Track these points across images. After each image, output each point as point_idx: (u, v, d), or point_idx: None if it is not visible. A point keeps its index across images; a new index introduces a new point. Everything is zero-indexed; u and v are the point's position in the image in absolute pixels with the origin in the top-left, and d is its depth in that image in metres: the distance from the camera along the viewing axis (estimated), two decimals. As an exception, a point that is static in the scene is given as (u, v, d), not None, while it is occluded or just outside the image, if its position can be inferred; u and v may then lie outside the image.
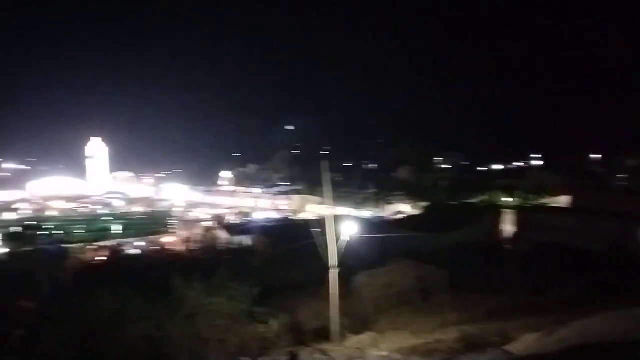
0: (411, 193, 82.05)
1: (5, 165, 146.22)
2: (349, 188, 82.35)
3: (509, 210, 41.96)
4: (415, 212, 65.94)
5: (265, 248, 35.51)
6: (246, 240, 41.97)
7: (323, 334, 16.71)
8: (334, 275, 16.47)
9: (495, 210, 43.59)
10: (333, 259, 16.52)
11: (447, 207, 57.28)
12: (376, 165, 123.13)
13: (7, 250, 28.46)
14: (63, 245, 26.05)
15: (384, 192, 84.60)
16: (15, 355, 14.25)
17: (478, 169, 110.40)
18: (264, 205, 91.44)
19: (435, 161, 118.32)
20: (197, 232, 56.07)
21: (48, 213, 70.47)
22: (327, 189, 19.52)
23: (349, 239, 16.77)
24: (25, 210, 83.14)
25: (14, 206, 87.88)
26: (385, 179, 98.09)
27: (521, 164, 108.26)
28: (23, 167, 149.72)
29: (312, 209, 77.36)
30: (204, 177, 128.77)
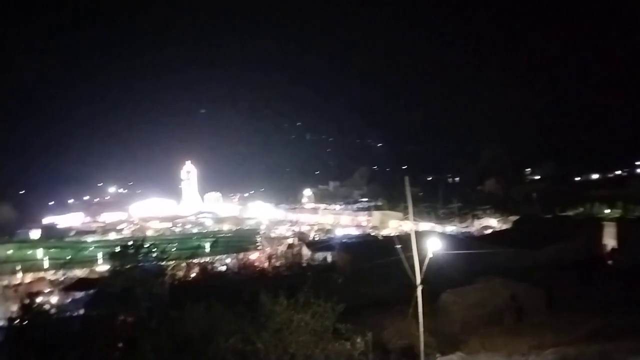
0: (499, 206, 78.39)
1: (108, 190, 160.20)
2: (431, 203, 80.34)
3: (610, 223, 38.61)
4: (504, 226, 62.82)
5: (347, 264, 35.49)
6: (328, 256, 42.28)
7: (409, 354, 16.29)
8: (419, 293, 16.04)
9: (595, 223, 40.34)
10: (418, 276, 16.11)
11: (540, 220, 53.95)
12: (460, 179, 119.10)
13: (108, 267, 30.76)
14: (160, 263, 27.59)
15: (470, 206, 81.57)
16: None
17: (573, 179, 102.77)
18: (345, 221, 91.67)
19: (524, 172, 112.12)
20: (281, 248, 57.48)
21: (146, 233, 75.74)
22: (410, 204, 19.16)
23: (433, 256, 16.28)
24: (127, 231, 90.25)
25: (118, 227, 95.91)
26: (470, 192, 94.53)
27: (623, 171, 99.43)
28: (123, 190, 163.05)
29: (393, 224, 76.40)
30: (287, 195, 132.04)
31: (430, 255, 16.21)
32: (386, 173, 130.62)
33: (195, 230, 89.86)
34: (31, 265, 48.57)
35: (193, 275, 37.61)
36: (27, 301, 23.36)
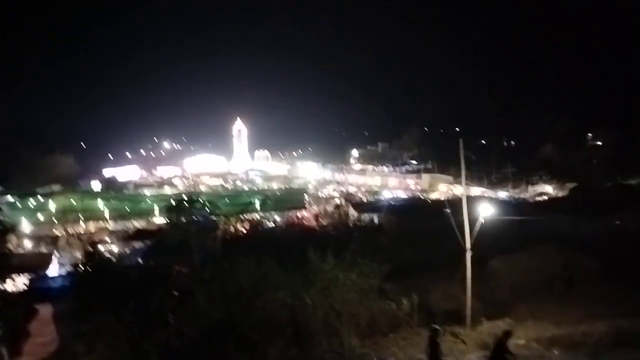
0: (556, 173, 75.19)
1: (164, 145, 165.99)
2: (484, 167, 78.05)
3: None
4: (561, 194, 60.48)
5: (394, 227, 35.51)
6: (375, 218, 42.41)
7: (454, 318, 16.30)
8: (468, 257, 15.88)
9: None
10: (467, 241, 15.91)
11: (599, 188, 51.47)
12: (515, 143, 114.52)
13: (166, 220, 32.20)
14: (212, 218, 28.69)
15: (524, 172, 78.70)
16: (174, 311, 16.30)
17: (638, 146, 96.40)
18: (393, 183, 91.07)
19: (585, 137, 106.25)
20: (328, 208, 58.12)
21: (199, 188, 78.47)
22: (462, 167, 18.71)
23: (484, 221, 15.96)
24: (180, 185, 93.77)
25: (172, 181, 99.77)
26: (525, 157, 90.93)
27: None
28: (177, 146, 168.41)
29: (443, 188, 75.18)
30: (334, 155, 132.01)
31: (481, 220, 15.91)
32: (438, 135, 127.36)
33: (245, 188, 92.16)
34: (93, 216, 51.63)
35: (243, 230, 38.90)
36: (90, 249, 25.07)
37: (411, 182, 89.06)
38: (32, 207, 52.05)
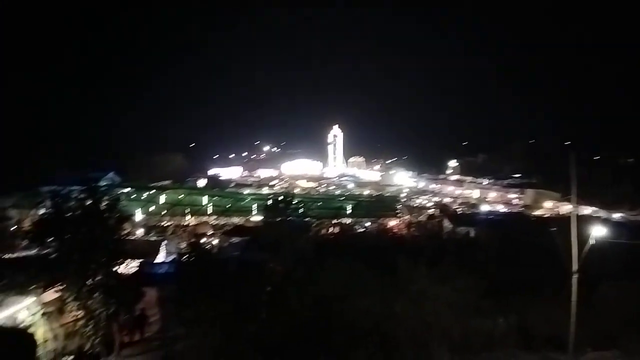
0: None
1: (264, 148, 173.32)
2: (597, 184, 71.45)
3: None
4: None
5: (491, 242, 33.73)
6: (471, 231, 40.64)
7: (556, 343, 15.12)
8: (574, 281, 14.66)
9: None
10: (574, 263, 14.70)
11: None
12: (634, 160, 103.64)
13: (262, 219, 33.41)
14: (305, 219, 29.37)
15: (644, 192, 70.81)
16: (266, 306, 16.93)
17: None
18: (492, 197, 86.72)
19: None
20: (421, 218, 56.80)
21: (294, 190, 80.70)
22: (573, 184, 17.34)
23: (594, 242, 14.65)
24: (277, 187, 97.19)
25: (270, 183, 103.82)
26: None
27: None
28: (276, 149, 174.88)
29: (548, 205, 70.22)
30: (430, 164, 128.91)
31: (591, 242, 14.64)
32: (545, 148, 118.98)
33: (338, 192, 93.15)
34: (197, 210, 55.21)
35: (335, 233, 39.30)
36: (193, 240, 26.79)
37: (513, 196, 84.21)
38: (145, 199, 56.76)
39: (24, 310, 17.65)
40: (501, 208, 74.01)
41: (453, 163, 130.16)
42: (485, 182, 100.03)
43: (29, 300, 18.23)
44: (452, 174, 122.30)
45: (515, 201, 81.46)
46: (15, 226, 34.26)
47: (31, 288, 18.08)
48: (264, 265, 21.32)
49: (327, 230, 39.76)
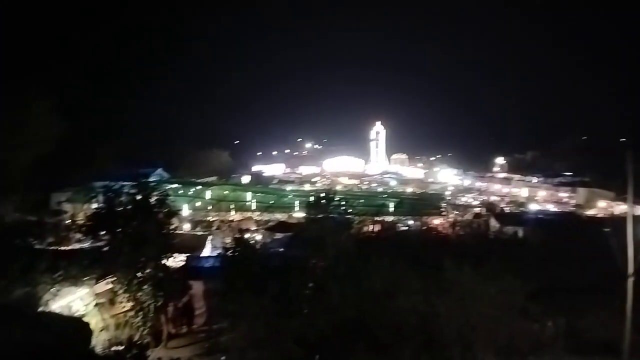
0: None
1: (306, 145, 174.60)
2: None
3: None
4: None
5: (540, 242, 32.64)
6: (519, 231, 39.45)
7: (609, 349, 14.46)
8: (630, 284, 13.97)
9: None
10: (630, 266, 14.00)
11: None
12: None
13: (304, 214, 33.57)
14: (347, 216, 29.29)
15: None
16: (309, 302, 17.04)
17: None
18: (542, 195, 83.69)
19: None
20: (467, 217, 55.55)
21: (336, 187, 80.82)
22: (630, 183, 16.50)
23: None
24: (319, 184, 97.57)
25: (312, 180, 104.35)
26: None
27: None
28: (318, 146, 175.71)
29: (601, 205, 67.07)
30: (476, 162, 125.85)
31: (650, 244, 13.90)
32: (599, 144, 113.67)
33: (380, 190, 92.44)
34: (242, 206, 56.22)
35: (376, 231, 39.02)
36: (237, 235, 27.28)
37: (564, 195, 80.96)
38: (192, 194, 58.31)
39: (77, 301, 18.51)
40: (551, 207, 71.34)
41: (500, 160, 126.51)
42: (535, 180, 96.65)
43: (83, 291, 19.09)
44: (499, 171, 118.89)
45: (566, 200, 78.32)
46: (70, 220, 35.92)
47: (85, 279, 18.92)
48: (307, 261, 21.45)
49: (369, 228, 39.55)
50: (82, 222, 23.65)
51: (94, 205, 21.36)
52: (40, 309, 15.83)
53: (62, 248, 22.65)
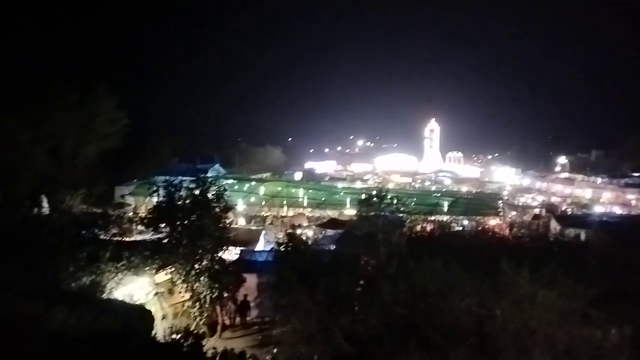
0: None
1: (357, 143, 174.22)
2: None
3: None
4: None
5: (604, 246, 30.99)
6: (582, 234, 37.65)
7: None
8: None
9: None
10: None
11: None
12: None
13: (355, 212, 33.58)
14: (399, 215, 28.99)
15: None
16: (359, 299, 17.05)
17: None
18: (607, 197, 79.26)
19: None
20: (525, 218, 53.49)
21: (388, 185, 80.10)
22: None
23: None
24: (371, 181, 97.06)
25: (364, 177, 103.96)
26: None
27: None
28: (370, 144, 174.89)
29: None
30: (536, 161, 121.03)
31: None
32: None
33: (433, 188, 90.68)
34: (294, 202, 56.92)
35: (430, 230, 38.38)
36: (290, 231, 27.72)
37: (632, 197, 76.33)
38: (247, 190, 59.64)
39: (138, 290, 19.44)
40: (617, 210, 67.46)
41: (562, 160, 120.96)
42: (599, 180, 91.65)
43: (144, 280, 20.04)
44: (560, 171, 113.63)
45: (634, 202, 73.80)
46: (132, 212, 37.68)
47: (145, 269, 19.85)
48: (358, 258, 21.48)
49: (422, 227, 38.94)
50: (143, 214, 24.80)
51: (155, 199, 22.35)
52: (105, 296, 16.76)
53: (125, 239, 23.82)
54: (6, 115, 42.85)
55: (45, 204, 37.72)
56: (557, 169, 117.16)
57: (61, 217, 21.22)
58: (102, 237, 20.40)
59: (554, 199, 79.50)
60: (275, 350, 17.61)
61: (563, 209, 66.50)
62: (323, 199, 58.73)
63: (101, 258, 17.93)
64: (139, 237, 26.62)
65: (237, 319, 23.07)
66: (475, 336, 12.99)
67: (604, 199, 78.89)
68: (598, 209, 65.79)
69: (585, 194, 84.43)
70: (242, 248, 27.63)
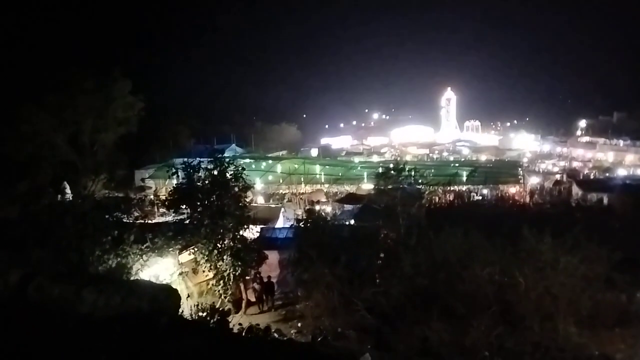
0: None
1: (373, 116, 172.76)
2: None
3: None
4: None
5: (628, 209, 30.53)
6: (604, 198, 37.06)
7: None
8: None
9: None
10: None
11: None
12: None
13: (372, 186, 33.49)
14: (418, 187, 28.83)
15: None
16: (380, 272, 17.22)
17: None
18: (630, 160, 77.53)
19: None
20: (546, 184, 52.80)
21: (405, 157, 79.60)
22: None
23: None
24: (388, 154, 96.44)
25: (380, 150, 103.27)
26: None
27: None
28: (386, 117, 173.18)
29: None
30: (556, 126, 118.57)
31: None
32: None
33: (451, 158, 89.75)
34: (311, 179, 56.97)
35: (449, 201, 38.19)
36: (309, 207, 27.86)
37: (656, 159, 74.60)
38: (264, 168, 59.88)
39: (163, 270, 19.87)
40: (641, 172, 66.01)
41: (583, 123, 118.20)
42: (622, 143, 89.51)
43: (168, 261, 20.45)
44: (581, 135, 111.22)
45: (658, 164, 72.14)
46: (153, 195, 38.21)
47: (169, 250, 20.23)
48: (377, 231, 21.55)
49: (441, 198, 38.72)
50: (164, 197, 25.16)
51: (175, 181, 22.61)
52: (132, 278, 17.19)
53: (148, 221, 24.23)
54: (26, 104, 43.57)
55: (68, 190, 38.54)
56: (578, 133, 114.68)
57: (84, 203, 21.57)
58: (125, 220, 20.75)
59: (575, 164, 78.09)
60: (299, 324, 17.94)
61: (585, 173, 65.36)
62: (340, 174, 58.63)
63: (125, 241, 18.29)
64: (161, 219, 27.04)
65: (263, 297, 23.40)
66: (497, 304, 13.05)
67: (626, 161, 77.19)
68: (621, 173, 64.45)
69: (608, 157, 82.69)
70: (262, 226, 27.83)
